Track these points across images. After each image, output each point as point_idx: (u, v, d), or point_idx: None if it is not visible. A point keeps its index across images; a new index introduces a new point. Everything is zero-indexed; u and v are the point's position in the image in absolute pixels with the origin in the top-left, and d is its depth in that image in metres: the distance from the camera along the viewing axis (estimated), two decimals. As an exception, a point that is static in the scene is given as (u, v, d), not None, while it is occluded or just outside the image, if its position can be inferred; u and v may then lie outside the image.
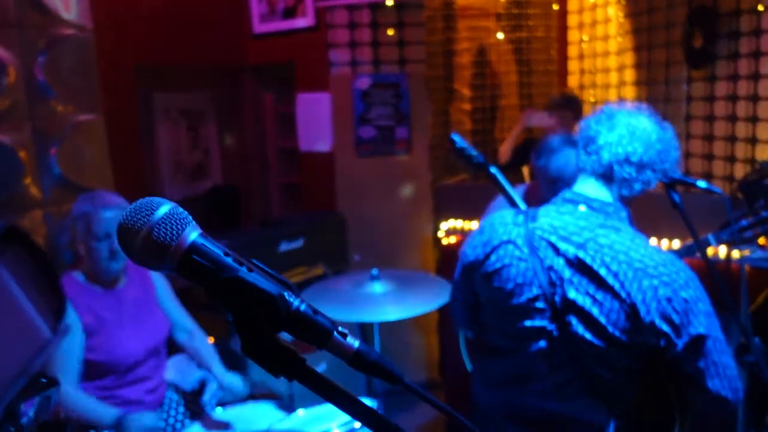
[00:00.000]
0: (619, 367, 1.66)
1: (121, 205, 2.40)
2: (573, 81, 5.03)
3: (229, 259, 0.70)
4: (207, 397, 2.90)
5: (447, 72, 4.89)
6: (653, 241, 3.05)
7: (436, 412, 3.54)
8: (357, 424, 2.14)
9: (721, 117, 3.67)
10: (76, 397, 2.23)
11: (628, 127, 1.69)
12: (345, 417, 2.18)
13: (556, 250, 1.67)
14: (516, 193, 2.24)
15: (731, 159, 3.61)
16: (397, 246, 4.30)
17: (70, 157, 2.97)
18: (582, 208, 1.70)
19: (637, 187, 1.70)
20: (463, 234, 3.80)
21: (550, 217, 1.72)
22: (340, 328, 0.71)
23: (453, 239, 3.87)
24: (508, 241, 1.75)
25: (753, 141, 3.44)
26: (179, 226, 0.72)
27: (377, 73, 4.18)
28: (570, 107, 3.96)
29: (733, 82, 3.57)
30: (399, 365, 3.00)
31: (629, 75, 4.44)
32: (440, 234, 4.00)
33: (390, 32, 4.13)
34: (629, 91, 4.45)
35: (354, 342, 0.71)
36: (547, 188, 2.40)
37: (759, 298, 2.93)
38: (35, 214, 2.84)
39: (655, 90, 4.18)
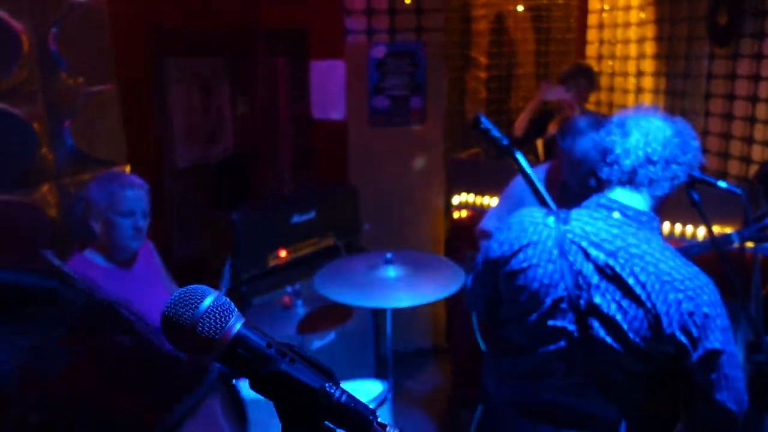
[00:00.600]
0: (634, 371, 1.70)
1: (143, 185, 2.44)
2: (591, 51, 4.94)
3: (272, 351, 0.71)
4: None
5: (464, 39, 4.80)
6: (677, 228, 3.03)
7: (441, 380, 3.64)
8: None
9: (742, 96, 3.61)
10: None
11: (640, 130, 1.70)
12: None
13: (587, 255, 1.68)
14: (539, 180, 2.20)
15: (749, 140, 3.57)
16: (408, 217, 4.31)
17: (84, 128, 2.96)
18: (616, 215, 1.71)
19: (666, 184, 1.71)
20: (474, 208, 3.80)
21: (582, 221, 1.73)
22: (379, 419, 0.72)
23: (464, 213, 3.86)
24: (538, 242, 1.76)
25: (773, 123, 3.39)
26: (223, 319, 0.72)
27: (393, 41, 4.11)
28: (583, 75, 3.89)
29: (756, 62, 3.50)
30: (406, 332, 3.09)
31: (649, 48, 4.35)
32: (451, 207, 3.99)
33: (407, 0, 4.04)
34: (648, 65, 4.37)
35: (393, 431, 0.72)
36: (569, 170, 2.38)
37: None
38: (49, 187, 2.85)
39: (675, 65, 4.10)
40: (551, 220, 1.77)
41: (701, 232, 2.99)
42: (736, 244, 2.22)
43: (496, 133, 2.14)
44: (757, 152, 3.51)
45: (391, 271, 2.59)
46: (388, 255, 2.62)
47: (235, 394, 0.69)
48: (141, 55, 3.78)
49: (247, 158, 4.65)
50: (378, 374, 3.74)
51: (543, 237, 1.75)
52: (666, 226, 3.06)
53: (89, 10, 2.94)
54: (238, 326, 0.71)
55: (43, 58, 2.78)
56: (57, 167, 2.88)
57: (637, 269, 1.61)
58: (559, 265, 1.71)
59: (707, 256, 2.70)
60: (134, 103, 3.58)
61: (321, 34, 4.21)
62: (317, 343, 3.46)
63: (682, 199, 1.96)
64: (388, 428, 0.70)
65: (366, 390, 2.35)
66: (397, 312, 3.63)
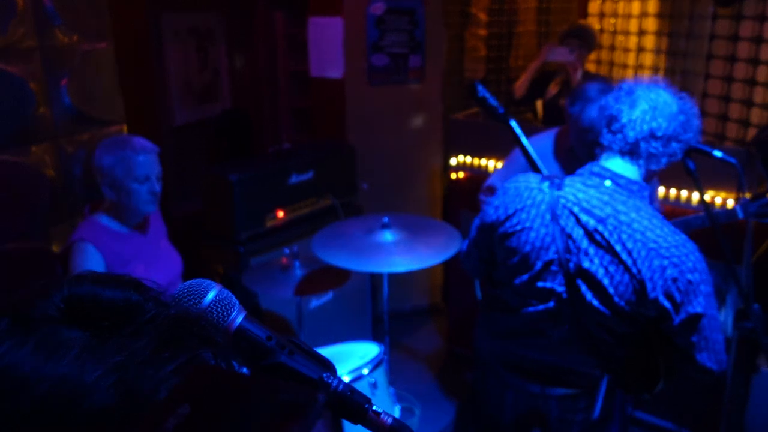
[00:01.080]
0: (618, 332, 1.78)
1: (154, 149, 2.42)
2: (593, 8, 4.86)
3: (272, 343, 0.74)
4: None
5: (464, -5, 4.72)
6: (683, 193, 3.05)
7: (440, 337, 3.70)
8: (365, 370, 2.24)
9: (743, 58, 3.58)
10: None
11: (649, 102, 1.72)
12: (354, 363, 2.28)
13: (578, 221, 1.74)
14: (533, 149, 2.22)
15: (748, 103, 3.55)
16: (406, 177, 4.32)
17: (81, 87, 2.94)
18: (608, 183, 1.76)
19: (664, 160, 1.76)
20: (472, 170, 3.80)
21: (575, 188, 1.78)
22: (374, 407, 0.75)
23: (461, 174, 3.87)
24: (531, 206, 1.81)
25: (773, 86, 3.37)
26: (226, 311, 0.74)
27: (392, -2, 4.04)
28: (576, 36, 3.85)
29: (759, 23, 3.46)
30: (403, 291, 3.16)
31: (652, 6, 4.29)
32: (449, 168, 4.00)
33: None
34: (651, 24, 4.32)
35: (387, 418, 0.75)
36: (576, 137, 2.39)
37: (761, 248, 2.97)
38: (47, 146, 2.85)
39: (678, 24, 4.05)
40: (546, 185, 1.82)
41: (696, 196, 3.01)
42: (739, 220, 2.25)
43: (492, 101, 2.16)
44: (755, 115, 3.50)
45: (388, 235, 2.62)
46: (385, 219, 2.65)
47: (337, 420, 0.73)
48: (137, 11, 3.73)
49: (244, 116, 4.63)
50: (375, 335, 3.81)
51: (537, 202, 1.81)
52: (661, 190, 3.08)
53: (83, -34, 2.90)
54: (240, 319, 0.74)
55: (39, 15, 2.74)
56: (55, 126, 2.88)
57: (624, 236, 1.67)
58: (551, 229, 1.76)
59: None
60: (130, 60, 3.55)
61: (319, -11, 4.14)
62: (315, 302, 3.52)
63: (679, 165, 1.98)
64: (382, 415, 0.73)
65: (361, 352, 2.41)
66: (395, 273, 3.68)
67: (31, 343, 0.53)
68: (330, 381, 0.73)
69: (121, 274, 0.65)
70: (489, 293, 2.06)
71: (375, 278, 3.80)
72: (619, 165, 1.77)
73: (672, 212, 3.05)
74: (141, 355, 0.54)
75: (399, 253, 2.52)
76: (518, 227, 1.83)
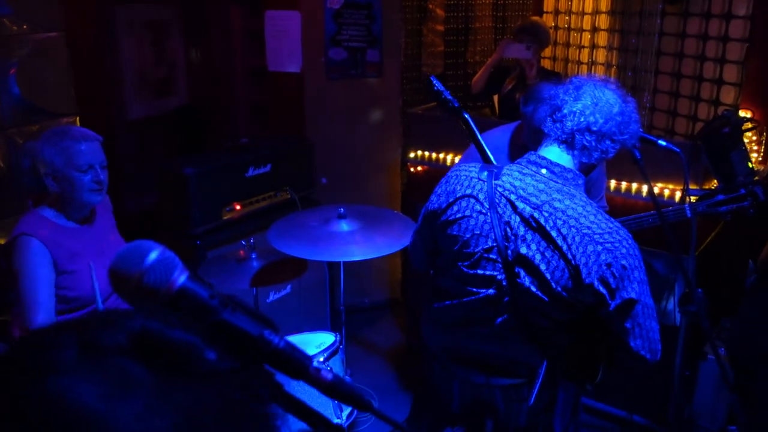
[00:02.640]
0: (557, 318, 1.83)
1: (96, 137, 2.37)
2: (548, 5, 4.95)
3: (214, 302, 0.75)
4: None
5: (421, -9, 4.76)
6: (633, 185, 3.13)
7: (399, 330, 3.71)
8: (321, 358, 2.25)
9: (690, 55, 3.69)
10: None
11: (592, 98, 1.78)
12: (309, 352, 2.28)
13: (514, 208, 1.78)
14: (488, 143, 2.26)
15: (696, 98, 3.66)
16: (365, 171, 4.33)
17: (30, 78, 2.89)
18: (544, 171, 1.81)
19: (596, 155, 1.81)
20: (431, 163, 3.84)
21: (512, 176, 1.83)
22: (314, 363, 0.77)
23: (420, 168, 3.90)
24: (471, 194, 1.85)
25: (719, 82, 3.48)
26: (168, 271, 0.75)
27: (350, -8, 4.05)
28: (529, 33, 3.92)
29: (705, 21, 3.57)
30: (362, 286, 3.16)
31: (604, 3, 4.39)
32: (408, 162, 4.02)
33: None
34: (603, 21, 4.41)
35: (327, 375, 0.77)
36: (529, 136, 2.44)
37: (706, 240, 3.07)
38: (-4, 138, 2.79)
39: (628, 21, 4.15)
40: (485, 174, 1.86)
41: (645, 188, 3.09)
42: (688, 217, 2.33)
43: (447, 95, 2.21)
44: (703, 111, 3.61)
45: (344, 225, 2.63)
46: (341, 209, 2.66)
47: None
48: (91, 2, 3.66)
49: (201, 110, 4.59)
50: (333, 327, 3.82)
51: (476, 190, 1.85)
52: (612, 183, 3.15)
53: (33, -46, 2.84)
54: (182, 279, 0.75)
55: (-15, 4, 2.68)
56: (3, 118, 2.82)
57: (559, 222, 1.72)
58: (490, 217, 1.81)
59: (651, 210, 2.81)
60: (84, 52, 3.49)
61: (276, -18, 4.13)
62: (273, 295, 3.51)
63: (628, 157, 2.04)
64: (322, 371, 0.75)
65: (317, 341, 2.41)
66: (354, 266, 3.68)
67: (98, 377, 0.51)
68: (271, 338, 0.75)
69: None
70: (432, 284, 2.09)
71: (333, 272, 3.80)
72: (555, 154, 1.83)
73: (623, 204, 3.13)
74: (204, 399, 0.53)
75: (355, 243, 2.53)
76: (458, 215, 1.87)
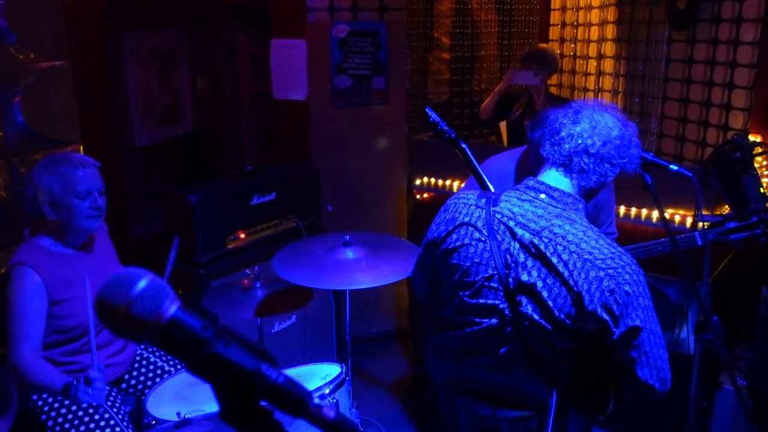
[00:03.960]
0: (561, 348, 1.77)
1: (94, 162, 2.36)
2: (554, 33, 4.96)
3: (208, 333, 0.70)
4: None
5: (427, 20, 4.78)
6: (643, 212, 3.09)
7: (406, 361, 3.64)
8: (326, 390, 2.20)
9: (698, 81, 3.67)
10: (34, 362, 2.23)
11: (591, 122, 1.76)
12: (315, 383, 2.23)
13: (513, 235, 1.75)
14: (496, 167, 2.23)
15: (704, 124, 3.63)
16: (370, 198, 4.31)
17: (36, 106, 2.88)
18: (543, 197, 1.78)
19: (594, 178, 1.78)
20: (437, 190, 3.81)
21: (510, 203, 1.80)
22: (315, 400, 0.72)
23: (426, 195, 3.87)
24: (469, 222, 1.82)
25: (727, 107, 3.45)
26: (158, 301, 0.71)
27: (356, 20, 4.07)
28: (537, 59, 3.91)
29: (712, 47, 3.56)
30: (369, 315, 3.09)
31: (610, 31, 4.39)
32: (414, 189, 4.00)
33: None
34: (609, 48, 4.41)
35: (330, 413, 0.72)
36: (535, 161, 2.41)
37: (719, 267, 3.02)
38: None
39: (635, 48, 4.14)
40: (483, 201, 1.83)
41: (656, 215, 3.05)
42: (699, 245, 2.28)
43: (443, 126, 2.20)
44: (712, 136, 3.58)
45: (350, 253, 2.59)
46: (347, 237, 2.62)
47: None
48: (97, 30, 3.68)
49: (207, 137, 4.59)
50: (339, 358, 3.75)
51: (474, 218, 1.81)
52: (621, 209, 3.11)
53: (40, -17, 2.85)
54: (173, 309, 0.70)
55: (-9, 32, 2.69)
56: (7, 146, 2.80)
57: (560, 248, 1.67)
58: (489, 245, 1.77)
59: (662, 236, 2.76)
60: (90, 80, 3.50)
61: (283, 10, 4.15)
62: (278, 326, 3.45)
63: (639, 183, 2.00)
64: (324, 409, 0.70)
65: (323, 372, 2.36)
66: (360, 295, 3.64)
67: None
68: (268, 372, 0.70)
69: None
70: (434, 314, 2.04)
71: (339, 301, 3.75)
72: (554, 178, 1.80)
73: (632, 230, 3.09)
74: None
75: (361, 271, 2.49)
76: (458, 243, 1.83)
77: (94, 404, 2.21)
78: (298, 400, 0.71)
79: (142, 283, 0.71)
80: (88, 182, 2.29)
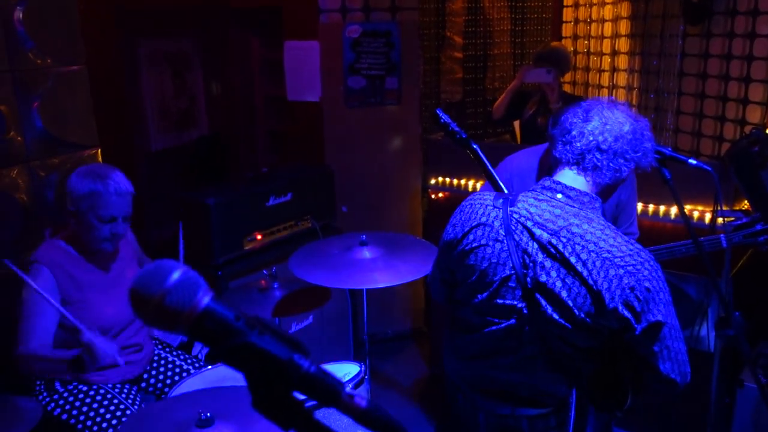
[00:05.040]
0: (581, 346, 1.77)
1: (130, 189, 2.34)
2: (567, 30, 4.94)
3: (240, 323, 0.71)
4: (197, 350, 2.95)
5: (439, 19, 4.78)
6: (661, 208, 3.07)
7: (423, 361, 3.64)
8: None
9: (714, 75, 3.64)
10: (40, 350, 2.23)
11: (601, 119, 1.76)
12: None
13: (531, 235, 1.74)
14: (495, 173, 2.22)
15: (721, 119, 3.60)
16: (385, 198, 4.31)
17: (53, 110, 2.90)
18: (559, 196, 1.77)
19: (609, 174, 1.77)
20: (452, 190, 3.80)
21: (528, 203, 1.79)
22: (347, 390, 0.72)
23: (441, 194, 3.87)
24: (486, 223, 1.82)
25: (744, 102, 3.42)
26: (191, 292, 0.71)
27: (368, 20, 4.07)
28: (549, 58, 3.89)
29: (728, 40, 3.52)
30: (385, 315, 3.09)
31: (624, 27, 4.36)
32: (428, 189, 3.99)
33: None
34: (623, 44, 4.38)
35: (362, 401, 0.72)
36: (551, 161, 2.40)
37: (740, 262, 2.99)
38: (18, 170, 2.80)
39: (649, 43, 4.12)
40: (500, 202, 1.83)
41: (674, 210, 3.03)
42: (724, 247, 2.27)
43: (454, 127, 2.20)
44: (728, 130, 3.54)
45: (367, 253, 2.59)
46: (363, 236, 2.62)
47: None
48: (112, 36, 3.71)
49: (221, 141, 4.61)
50: (357, 358, 3.76)
51: (491, 218, 1.81)
52: (639, 206, 3.09)
53: (56, -11, 2.88)
54: (206, 300, 0.71)
55: (10, 38, 2.72)
56: (26, 150, 2.83)
57: (578, 248, 1.67)
58: (507, 245, 1.76)
59: (679, 234, 2.74)
60: (106, 85, 3.53)
61: (295, 13, 4.16)
62: (295, 326, 3.46)
63: (658, 180, 1.98)
64: (356, 398, 0.70)
65: (342, 372, 2.36)
66: (377, 296, 3.64)
67: None
68: (301, 362, 0.70)
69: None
70: (452, 315, 2.04)
71: (356, 302, 3.76)
72: (569, 177, 1.80)
73: (650, 227, 3.06)
74: None
75: (377, 270, 2.49)
76: (474, 244, 1.83)
77: (109, 362, 2.20)
78: (330, 389, 0.71)
79: (175, 275, 0.72)
80: (115, 209, 2.29)
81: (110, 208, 2.27)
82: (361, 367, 2.37)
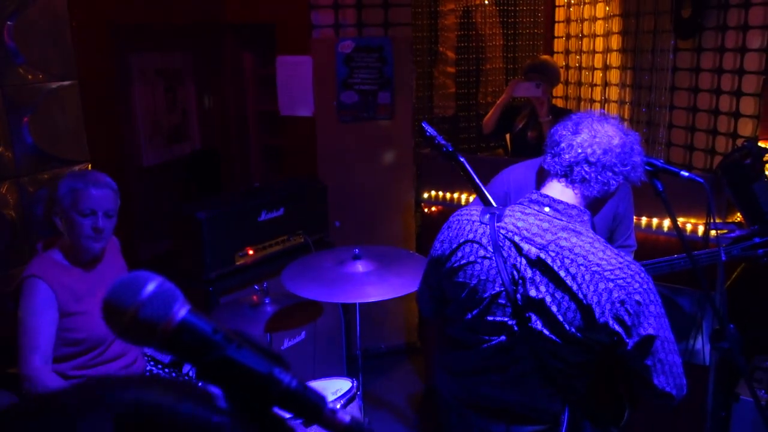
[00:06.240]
0: (574, 361, 1.74)
1: (110, 184, 2.36)
2: (559, 45, 4.96)
3: (218, 337, 0.68)
4: (187, 368, 2.92)
5: (432, 34, 4.80)
6: (654, 221, 3.07)
7: (416, 377, 3.60)
8: (338, 405, 2.17)
9: (705, 89, 3.65)
10: (45, 375, 2.23)
11: (590, 131, 1.75)
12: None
13: (519, 250, 1.72)
14: (482, 186, 2.22)
15: (713, 132, 3.61)
16: (378, 213, 4.29)
17: (44, 126, 2.88)
18: (547, 210, 1.75)
19: (597, 187, 1.75)
20: (445, 204, 3.79)
21: (515, 217, 1.77)
22: (330, 405, 0.70)
23: (434, 208, 3.86)
24: (474, 239, 1.80)
25: (736, 115, 3.43)
26: (167, 304, 0.69)
27: (361, 36, 4.08)
28: (538, 71, 3.90)
29: (719, 54, 3.54)
30: (378, 331, 3.05)
31: (615, 42, 4.38)
32: (422, 203, 3.98)
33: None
34: (615, 59, 4.40)
35: (344, 417, 0.70)
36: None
37: (733, 275, 2.98)
38: (8, 186, 2.77)
39: (641, 58, 4.14)
40: (487, 217, 1.81)
41: (667, 223, 3.02)
42: (723, 260, 2.26)
43: (440, 140, 2.20)
44: (720, 144, 3.55)
45: (360, 267, 2.57)
46: (356, 250, 2.61)
47: None
48: (104, 51, 3.70)
49: (214, 156, 4.60)
50: (350, 373, 3.72)
51: (478, 234, 1.79)
52: (643, 220, 3.08)
53: (48, 3, 2.87)
54: (182, 312, 0.68)
55: (0, 52, 2.70)
56: (16, 166, 2.80)
57: (567, 261, 1.64)
58: (495, 261, 1.74)
59: (672, 247, 2.73)
60: (96, 100, 3.51)
61: (288, 28, 4.17)
62: (288, 342, 3.43)
63: (648, 191, 1.98)
64: (338, 414, 0.68)
65: (334, 388, 2.33)
66: (370, 310, 3.62)
67: None
68: (281, 377, 0.68)
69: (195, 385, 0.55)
70: (443, 331, 2.02)
71: (349, 316, 3.73)
72: (557, 190, 1.78)
73: (644, 239, 3.06)
74: None
75: (370, 284, 2.47)
76: (463, 261, 1.81)
77: None
78: (312, 405, 0.69)
79: (150, 286, 0.69)
80: (94, 202, 2.30)
81: (89, 201, 2.28)
82: (353, 382, 2.34)
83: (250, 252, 3.38)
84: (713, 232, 2.54)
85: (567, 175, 1.76)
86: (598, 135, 1.74)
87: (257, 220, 3.43)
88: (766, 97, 3.27)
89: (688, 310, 3.01)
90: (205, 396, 0.55)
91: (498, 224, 1.77)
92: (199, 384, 0.60)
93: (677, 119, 3.88)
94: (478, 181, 2.19)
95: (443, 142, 2.21)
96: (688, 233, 2.97)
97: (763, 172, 2.76)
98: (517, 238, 1.72)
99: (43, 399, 0.51)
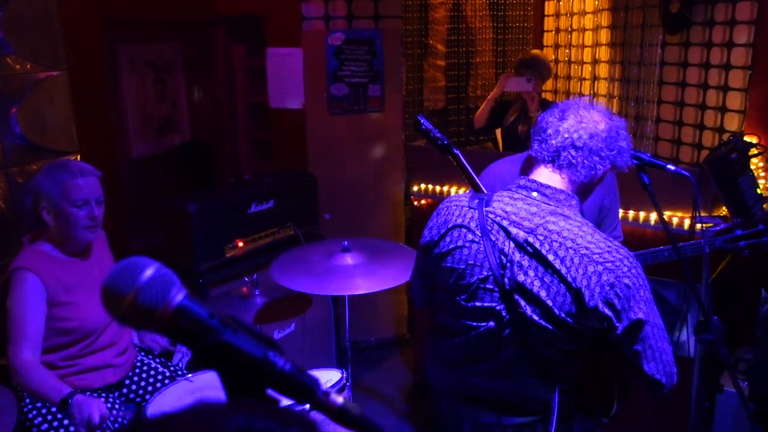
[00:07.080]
0: (564, 347, 1.74)
1: (94, 171, 2.37)
2: (548, 39, 4.98)
3: (214, 321, 0.70)
4: (177, 358, 2.93)
5: (422, 27, 4.80)
6: (641, 214, 3.09)
7: (406, 368, 3.62)
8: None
9: (693, 84, 3.68)
10: (35, 367, 2.23)
11: (576, 117, 1.76)
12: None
13: (507, 234, 1.72)
14: (477, 179, 2.24)
15: (700, 126, 3.65)
16: (368, 205, 4.31)
17: (32, 116, 2.87)
18: (535, 194, 1.76)
19: (584, 172, 1.76)
20: (434, 197, 3.81)
21: (503, 202, 1.78)
22: (323, 388, 0.72)
23: (424, 201, 3.87)
24: (462, 224, 1.80)
25: (722, 110, 3.47)
26: (164, 289, 0.70)
27: (351, 28, 4.08)
28: (529, 66, 3.93)
29: (706, 49, 3.57)
30: (368, 323, 3.07)
31: (604, 36, 4.41)
32: (411, 196, 4.00)
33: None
34: (604, 53, 4.43)
35: (337, 399, 0.72)
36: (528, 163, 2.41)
37: (718, 268, 3.02)
38: (-3, 176, 2.77)
39: (629, 52, 4.16)
40: (475, 203, 1.82)
41: (654, 217, 3.05)
42: (706, 252, 2.29)
43: (436, 133, 2.22)
44: (707, 138, 3.59)
45: (349, 259, 2.58)
46: (345, 243, 2.62)
47: None
48: (93, 41, 3.68)
49: (204, 148, 4.59)
50: (339, 365, 3.74)
51: (467, 219, 1.80)
52: (619, 212, 3.10)
53: (36, -5, 2.86)
54: (179, 297, 0.70)
55: (-13, 43, 2.69)
56: (4, 156, 2.79)
57: (556, 245, 1.65)
58: (483, 246, 1.75)
59: (658, 240, 2.76)
60: (86, 91, 3.50)
61: (278, 20, 4.16)
62: (277, 334, 3.44)
63: (638, 186, 2.00)
64: (331, 396, 0.70)
65: (324, 378, 2.35)
66: (360, 303, 3.63)
67: None
68: (276, 360, 0.70)
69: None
70: (432, 321, 2.03)
71: (338, 309, 3.74)
72: (545, 175, 1.79)
73: (631, 233, 3.09)
74: None
75: (360, 276, 2.48)
76: (451, 246, 1.81)
77: (93, 414, 2.20)
78: (305, 388, 0.71)
79: (148, 272, 0.71)
80: (85, 192, 2.31)
81: (79, 191, 2.29)
82: (342, 373, 2.36)
83: (240, 244, 3.39)
84: (699, 226, 2.58)
85: (554, 160, 1.77)
86: (584, 120, 1.75)
87: (247, 212, 3.43)
88: (752, 92, 3.30)
89: (674, 302, 3.05)
90: (309, 424, 0.58)
91: (486, 209, 1.78)
92: (300, 411, 0.62)
93: (665, 113, 3.91)
94: (473, 173, 2.21)
95: (439, 135, 2.23)
96: (674, 226, 3.00)
97: (749, 166, 2.80)
98: (505, 223, 1.73)
99: (158, 423, 0.54)
